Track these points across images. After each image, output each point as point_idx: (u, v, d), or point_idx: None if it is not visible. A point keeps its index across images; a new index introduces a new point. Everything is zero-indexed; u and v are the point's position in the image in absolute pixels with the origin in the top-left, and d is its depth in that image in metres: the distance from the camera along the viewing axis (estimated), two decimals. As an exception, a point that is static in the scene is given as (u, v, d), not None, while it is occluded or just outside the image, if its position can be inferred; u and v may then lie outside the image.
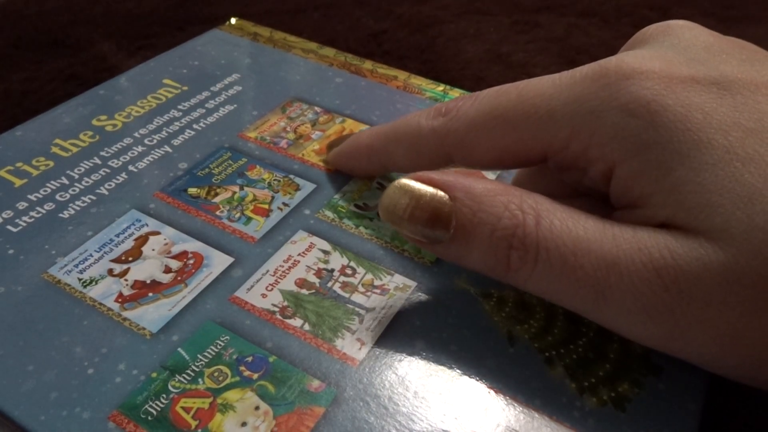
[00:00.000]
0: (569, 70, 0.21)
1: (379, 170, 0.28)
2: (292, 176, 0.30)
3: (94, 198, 0.28)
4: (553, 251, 0.19)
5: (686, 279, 0.17)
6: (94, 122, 0.33)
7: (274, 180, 0.29)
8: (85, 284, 0.24)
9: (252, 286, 0.24)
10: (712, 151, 0.17)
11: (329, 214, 0.28)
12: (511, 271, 0.20)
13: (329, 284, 0.24)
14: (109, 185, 0.29)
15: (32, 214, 0.27)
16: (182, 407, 0.20)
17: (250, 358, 0.22)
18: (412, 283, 0.25)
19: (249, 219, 0.27)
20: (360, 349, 0.22)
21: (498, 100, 0.21)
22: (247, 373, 0.21)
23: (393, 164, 0.26)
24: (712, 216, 0.17)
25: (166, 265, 0.25)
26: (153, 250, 0.26)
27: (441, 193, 0.20)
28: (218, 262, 0.25)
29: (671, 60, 0.20)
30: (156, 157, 0.30)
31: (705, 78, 0.19)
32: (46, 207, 0.27)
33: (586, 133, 0.19)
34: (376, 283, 0.25)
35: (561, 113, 0.20)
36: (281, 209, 0.28)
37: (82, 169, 0.30)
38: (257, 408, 0.20)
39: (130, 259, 0.25)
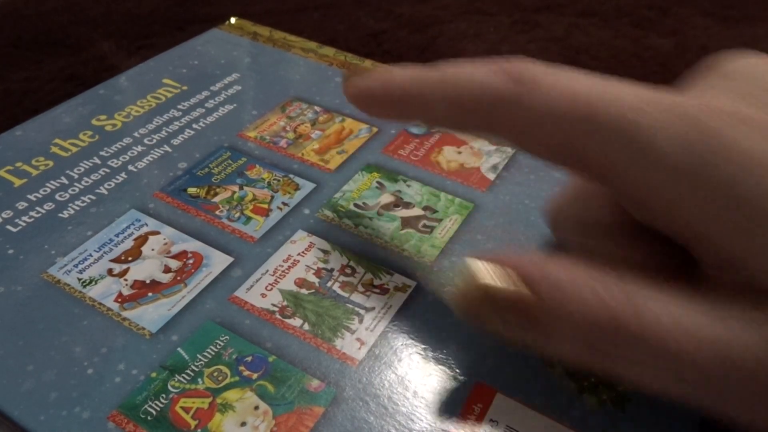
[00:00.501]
0: (661, 93, 0.17)
1: (407, 120, 0.24)
2: (291, 176, 0.29)
3: (93, 198, 0.28)
4: (654, 348, 0.16)
5: None
6: (94, 122, 0.33)
7: (274, 179, 0.29)
8: (84, 284, 0.24)
9: (251, 286, 0.24)
10: None
11: (329, 213, 0.28)
12: (609, 367, 0.17)
13: (329, 284, 0.24)
14: (109, 185, 0.29)
15: (32, 214, 0.27)
16: (182, 407, 0.20)
17: (249, 358, 0.22)
18: (412, 283, 0.25)
19: (248, 219, 0.27)
20: (359, 348, 0.22)
21: (585, 93, 0.17)
22: (246, 372, 0.21)
23: (431, 119, 0.22)
24: None
25: (165, 265, 0.25)
26: (152, 249, 0.26)
27: (524, 290, 0.17)
28: (218, 261, 0.25)
29: (764, 106, 0.17)
30: (155, 156, 0.30)
31: None
32: (45, 207, 0.27)
33: (681, 180, 0.16)
34: (376, 282, 0.25)
35: (654, 144, 0.17)
36: (281, 209, 0.28)
37: (82, 169, 0.30)
38: (257, 408, 0.20)
39: (130, 258, 0.25)
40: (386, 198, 0.28)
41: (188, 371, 0.21)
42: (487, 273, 0.17)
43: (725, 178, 0.16)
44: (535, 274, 0.17)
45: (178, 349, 0.22)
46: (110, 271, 0.25)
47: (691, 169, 0.16)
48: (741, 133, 0.16)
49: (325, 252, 0.26)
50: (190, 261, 0.25)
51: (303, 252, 0.26)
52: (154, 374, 0.21)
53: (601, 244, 0.20)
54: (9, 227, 0.26)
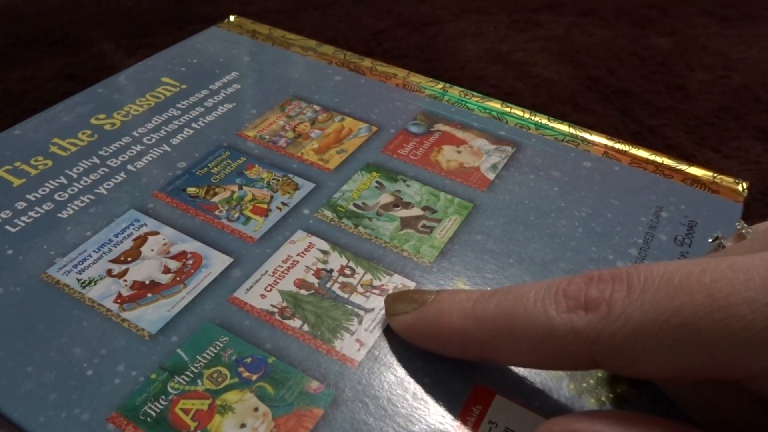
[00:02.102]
0: (757, 263, 0.15)
1: (475, 359, 0.21)
2: (291, 175, 0.29)
3: (92, 198, 0.28)
4: None
5: None
6: (93, 121, 0.33)
7: (273, 179, 0.29)
8: (84, 285, 0.24)
9: (251, 287, 0.24)
10: None
11: (328, 213, 0.27)
12: None
13: (328, 285, 0.24)
14: (108, 185, 0.29)
15: (31, 214, 0.27)
16: (181, 408, 0.20)
17: (249, 359, 0.22)
18: (411, 284, 0.25)
19: (248, 219, 0.27)
20: (359, 350, 0.22)
21: (677, 302, 0.15)
22: (246, 374, 0.21)
23: (504, 359, 0.20)
24: None
25: (165, 266, 0.25)
26: (152, 250, 0.26)
27: None
28: (217, 262, 0.25)
29: None
30: (155, 156, 0.30)
31: None
32: (44, 207, 0.27)
33: None
34: (375, 283, 0.25)
35: None
36: (280, 209, 0.28)
37: (81, 169, 0.29)
38: (256, 409, 0.20)
39: (129, 259, 0.25)
40: (386, 198, 0.28)
41: (188, 372, 0.21)
42: None
43: None
44: None
45: (178, 350, 0.22)
46: (109, 272, 0.25)
47: None
48: None
49: (324, 252, 0.26)
50: (190, 261, 0.25)
51: (302, 252, 0.26)
52: (153, 375, 0.21)
53: (697, 393, 0.19)
54: (8, 227, 0.26)
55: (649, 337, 0.15)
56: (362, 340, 0.22)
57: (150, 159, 0.30)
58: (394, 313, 0.22)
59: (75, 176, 0.29)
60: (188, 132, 0.32)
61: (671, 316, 0.15)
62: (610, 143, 0.32)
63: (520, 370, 0.22)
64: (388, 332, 0.23)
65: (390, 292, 0.24)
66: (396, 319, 0.22)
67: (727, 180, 0.30)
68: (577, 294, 0.17)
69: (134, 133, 0.32)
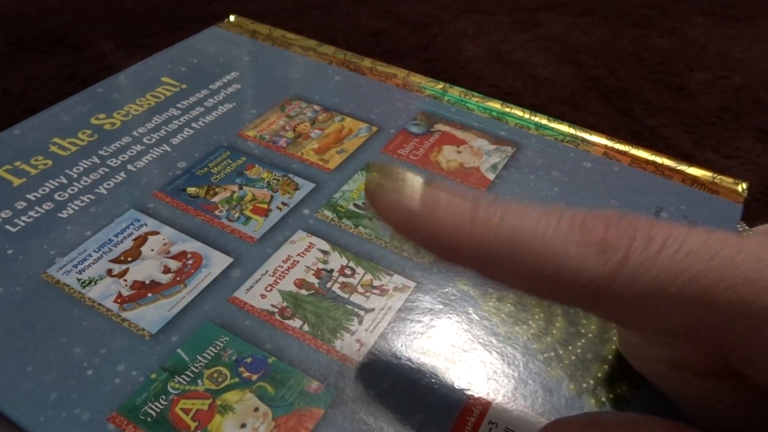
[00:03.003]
0: None
1: (463, 266, 0.18)
2: (291, 175, 0.29)
3: (92, 197, 0.28)
4: None
5: None
6: (93, 121, 0.33)
7: (273, 179, 0.29)
8: (84, 285, 0.24)
9: (251, 287, 0.24)
10: None
11: (328, 213, 0.28)
12: None
13: (328, 285, 0.24)
14: (108, 185, 0.29)
15: (31, 213, 0.27)
16: (182, 408, 0.20)
17: (249, 359, 0.22)
18: (412, 284, 0.25)
19: (248, 219, 0.27)
20: (359, 350, 0.22)
21: (697, 266, 0.14)
22: (246, 374, 0.21)
23: (496, 276, 0.17)
24: None
25: (165, 266, 0.25)
26: (152, 250, 0.26)
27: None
28: (217, 262, 0.25)
29: None
30: (155, 156, 0.30)
31: None
32: (44, 206, 0.27)
33: None
34: (375, 283, 0.25)
35: None
36: (280, 209, 0.28)
37: (81, 168, 0.29)
38: (256, 409, 0.20)
39: (129, 259, 0.25)
40: (386, 198, 0.28)
41: (188, 372, 0.21)
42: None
43: None
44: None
45: (178, 350, 0.22)
46: (110, 272, 0.25)
47: None
48: None
49: (324, 252, 0.26)
50: (190, 261, 0.25)
51: (302, 252, 0.26)
52: (153, 375, 0.21)
53: (689, 384, 0.18)
54: (8, 227, 0.26)
55: (661, 298, 0.14)
56: (362, 340, 0.22)
57: (150, 159, 0.30)
58: (377, 188, 0.18)
59: (75, 176, 0.29)
60: (188, 132, 0.32)
61: (689, 280, 0.14)
62: (610, 143, 0.32)
63: (520, 371, 0.22)
64: (388, 332, 0.23)
65: (390, 291, 0.24)
66: (378, 195, 0.18)
67: (726, 180, 0.30)
68: (596, 229, 0.15)
69: (134, 133, 0.32)
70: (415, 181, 0.18)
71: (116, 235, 0.26)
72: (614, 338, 0.23)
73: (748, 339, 0.14)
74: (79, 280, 0.24)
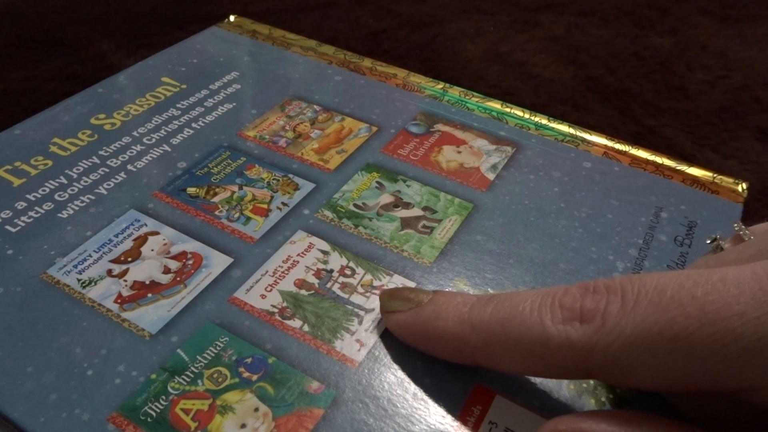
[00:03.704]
0: (748, 275, 0.15)
1: (469, 364, 0.20)
2: (291, 175, 0.29)
3: (93, 198, 0.28)
4: None
5: None
6: (93, 121, 0.33)
7: (273, 179, 0.29)
8: (84, 285, 0.24)
9: (251, 287, 0.24)
10: None
11: (328, 213, 0.28)
12: None
13: (328, 285, 0.24)
14: (108, 185, 0.29)
15: (31, 213, 0.27)
16: (182, 409, 0.20)
17: (249, 360, 0.22)
18: (412, 284, 0.25)
19: (248, 219, 0.27)
20: (359, 350, 0.22)
21: (669, 314, 0.15)
22: (246, 374, 0.21)
23: (498, 366, 0.19)
24: None
25: (165, 266, 0.25)
26: (152, 250, 0.26)
27: None
28: (217, 262, 0.25)
29: None
30: (155, 156, 0.30)
31: None
32: (44, 207, 0.27)
33: None
34: (376, 283, 0.25)
35: None
36: (280, 209, 0.28)
37: (81, 169, 0.29)
38: (256, 409, 0.20)
39: (129, 259, 0.25)
40: (386, 198, 0.28)
41: (188, 373, 0.21)
42: None
43: None
44: None
45: (178, 350, 0.22)
46: (110, 272, 0.25)
47: None
48: None
49: (324, 253, 0.26)
50: (190, 261, 0.25)
51: (302, 252, 0.26)
52: (153, 376, 0.21)
53: (714, 408, 0.18)
54: (8, 227, 0.26)
55: (642, 350, 0.15)
56: (362, 341, 0.22)
57: (150, 159, 0.30)
58: (389, 311, 0.22)
59: (75, 176, 0.29)
60: (188, 132, 0.32)
61: (663, 329, 0.15)
62: (609, 143, 0.32)
63: (521, 371, 0.22)
64: (388, 333, 0.23)
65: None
66: (391, 317, 0.22)
67: (726, 180, 0.30)
68: (573, 305, 0.17)
69: (134, 133, 0.32)
70: (417, 299, 0.21)
71: (116, 236, 0.26)
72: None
73: (741, 374, 0.15)
74: (79, 280, 0.24)
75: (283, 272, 0.25)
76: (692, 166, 0.31)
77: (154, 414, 0.20)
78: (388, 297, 0.22)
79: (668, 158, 0.31)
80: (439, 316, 0.20)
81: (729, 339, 0.14)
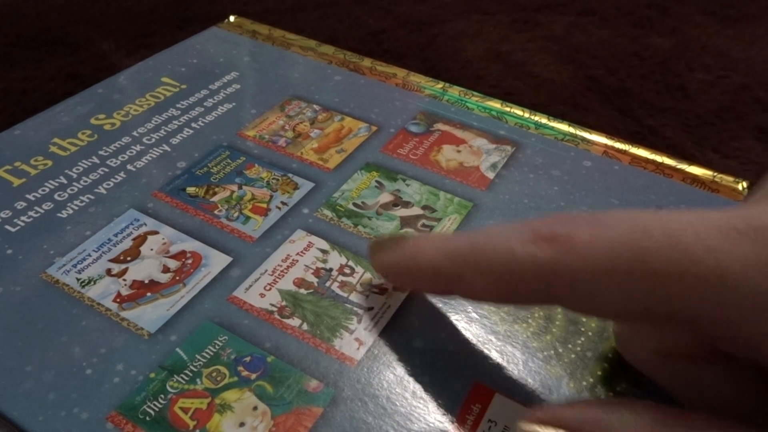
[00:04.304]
0: (727, 214, 0.15)
1: (446, 294, 0.22)
2: (290, 175, 0.29)
3: (92, 197, 0.28)
4: None
5: None
6: (93, 121, 0.33)
7: (273, 179, 0.29)
8: (83, 284, 0.24)
9: (250, 286, 0.24)
10: None
11: (328, 213, 0.27)
12: None
13: (327, 284, 0.24)
14: (108, 184, 0.29)
15: (30, 213, 0.27)
16: (180, 407, 0.20)
17: (248, 358, 0.22)
18: (411, 283, 0.25)
19: (247, 218, 0.27)
20: (358, 348, 0.22)
21: (635, 239, 0.15)
22: (245, 373, 0.21)
23: (470, 294, 0.20)
24: None
25: (164, 265, 0.25)
26: (151, 249, 0.26)
27: None
28: (217, 261, 0.25)
29: None
30: (154, 156, 0.30)
31: None
32: (44, 206, 0.27)
33: (762, 311, 0.14)
34: (375, 282, 0.25)
35: (734, 279, 0.14)
36: (280, 208, 0.28)
37: (81, 169, 0.29)
38: (255, 408, 0.20)
39: (129, 258, 0.25)
40: (385, 197, 0.28)
41: (187, 371, 0.21)
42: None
43: None
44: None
45: (177, 349, 0.22)
46: (109, 271, 0.25)
47: None
48: None
49: (323, 251, 0.26)
50: (189, 261, 0.25)
51: (302, 252, 0.26)
52: (152, 375, 0.21)
53: (680, 371, 0.19)
54: (8, 227, 0.26)
55: (606, 273, 0.15)
56: (361, 339, 0.22)
57: (150, 159, 0.30)
58: (377, 252, 0.22)
59: (75, 176, 0.29)
60: (188, 132, 0.32)
61: (629, 254, 0.15)
62: (609, 143, 0.32)
63: (520, 369, 0.22)
64: (388, 331, 0.23)
65: (389, 290, 0.24)
66: (376, 258, 0.22)
67: (727, 179, 0.30)
68: (543, 229, 0.17)
69: (134, 133, 0.32)
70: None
71: (116, 235, 0.26)
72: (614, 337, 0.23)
73: (703, 306, 0.15)
74: (78, 279, 0.24)
75: (282, 271, 0.25)
76: (692, 164, 0.31)
77: (152, 413, 0.20)
78: (377, 242, 0.22)
79: (668, 157, 0.31)
80: (418, 250, 0.20)
81: (691, 267, 0.14)
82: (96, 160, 0.30)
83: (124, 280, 0.24)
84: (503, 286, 0.18)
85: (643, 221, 0.16)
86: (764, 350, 0.15)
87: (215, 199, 0.28)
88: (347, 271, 0.25)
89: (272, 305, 0.24)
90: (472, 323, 0.23)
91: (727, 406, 0.17)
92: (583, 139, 0.32)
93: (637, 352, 0.20)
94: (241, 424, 0.20)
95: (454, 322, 0.23)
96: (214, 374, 0.21)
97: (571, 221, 0.16)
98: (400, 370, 0.22)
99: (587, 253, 0.16)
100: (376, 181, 0.29)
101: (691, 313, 0.15)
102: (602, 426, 0.15)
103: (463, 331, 0.23)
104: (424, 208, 0.28)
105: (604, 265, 0.15)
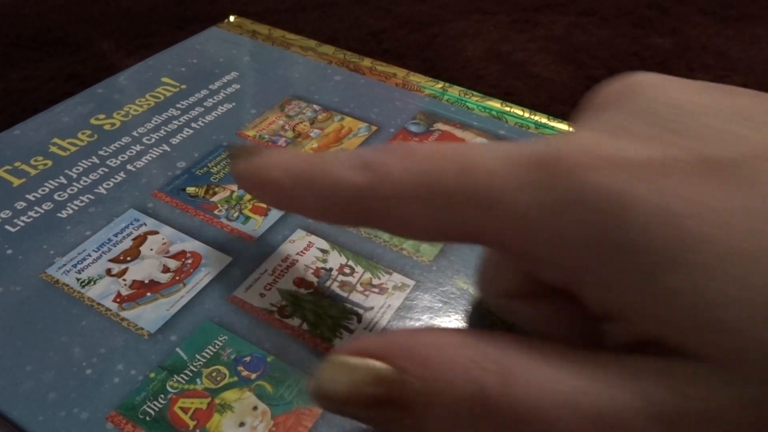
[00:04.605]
0: (518, 145, 0.16)
1: (288, 210, 0.24)
2: (290, 175, 0.29)
3: (92, 197, 0.28)
4: (528, 419, 0.15)
5: (702, 426, 0.13)
6: (93, 121, 0.33)
7: (273, 179, 0.29)
8: (83, 284, 0.24)
9: (250, 286, 0.24)
10: (708, 250, 0.13)
11: (328, 213, 0.27)
12: None
13: (327, 283, 0.24)
14: (108, 184, 0.29)
15: (30, 213, 0.27)
16: (180, 407, 0.20)
17: (248, 358, 0.22)
18: (411, 282, 0.25)
19: (247, 218, 0.27)
20: (358, 348, 0.22)
21: (435, 166, 0.17)
22: (245, 373, 0.21)
23: (303, 212, 0.21)
24: (718, 338, 0.13)
25: (164, 265, 0.25)
26: (151, 249, 0.26)
27: (383, 366, 0.16)
28: (216, 261, 0.25)
29: (642, 136, 0.15)
30: (154, 156, 0.30)
31: (689, 156, 0.14)
32: (44, 206, 0.27)
33: (539, 230, 0.15)
34: (375, 282, 0.25)
35: (509, 201, 0.15)
36: (280, 208, 0.28)
37: (81, 169, 0.29)
38: (255, 408, 0.20)
39: (129, 258, 0.25)
40: (385, 197, 0.28)
41: (187, 371, 0.21)
42: (347, 358, 0.17)
43: (576, 221, 0.15)
44: (396, 346, 0.16)
45: (177, 349, 0.22)
46: (109, 271, 0.25)
47: (549, 220, 0.15)
48: (600, 173, 0.15)
49: (323, 251, 0.26)
50: (189, 261, 0.25)
51: (302, 251, 0.26)
52: (152, 374, 0.21)
53: (522, 309, 0.20)
54: (8, 227, 0.26)
55: (411, 198, 0.17)
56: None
57: (150, 159, 0.30)
58: (234, 158, 0.23)
59: (75, 176, 0.29)
60: (188, 132, 0.32)
61: (427, 179, 0.17)
62: (609, 142, 0.32)
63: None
64: (388, 331, 0.23)
65: (389, 290, 0.24)
66: (233, 164, 0.23)
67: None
68: (367, 156, 0.18)
69: (134, 133, 0.32)
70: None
71: (116, 235, 0.26)
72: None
73: (490, 225, 0.16)
74: (78, 279, 0.24)
75: (282, 271, 0.25)
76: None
77: (152, 413, 0.20)
78: (236, 148, 0.23)
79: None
80: (267, 163, 0.21)
81: (475, 190, 0.16)
82: (96, 160, 0.30)
83: (124, 280, 0.24)
84: (329, 206, 0.19)
85: (447, 150, 0.17)
86: (551, 273, 0.16)
87: (215, 199, 0.28)
88: (347, 270, 0.25)
89: (272, 305, 0.24)
90: (472, 323, 0.23)
91: (560, 336, 0.19)
92: (583, 139, 0.32)
93: (492, 297, 0.21)
94: (241, 424, 0.20)
95: (454, 321, 0.23)
96: (214, 374, 0.21)
97: (391, 151, 0.18)
98: (400, 370, 0.22)
99: (397, 179, 0.17)
100: (376, 181, 0.29)
101: (482, 235, 0.17)
102: (405, 348, 0.16)
103: (463, 331, 0.23)
104: (424, 208, 0.28)
105: (410, 191, 0.17)
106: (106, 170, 0.29)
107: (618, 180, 0.14)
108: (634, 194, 0.14)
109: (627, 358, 0.15)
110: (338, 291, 0.24)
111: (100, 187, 0.29)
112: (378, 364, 0.16)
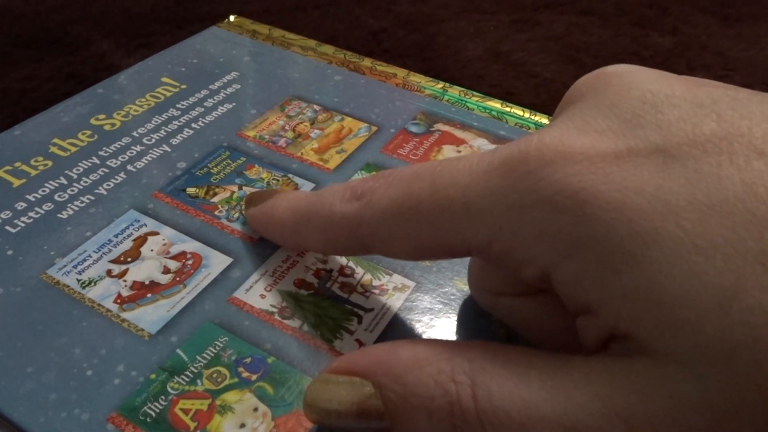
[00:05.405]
0: (488, 153, 0.17)
1: (297, 249, 0.25)
2: (290, 175, 0.29)
3: (92, 198, 0.28)
4: (498, 426, 0.15)
5: (663, 425, 0.14)
6: (93, 121, 0.33)
7: (273, 179, 0.29)
8: (83, 285, 0.24)
9: (251, 287, 0.24)
10: (663, 244, 0.14)
11: (328, 214, 0.27)
12: None
13: (328, 284, 0.24)
14: (108, 185, 0.29)
15: (31, 214, 0.27)
16: (181, 409, 0.20)
17: (248, 359, 0.22)
18: (411, 283, 0.25)
19: (248, 219, 0.27)
20: (359, 349, 0.22)
21: (411, 187, 0.18)
22: (245, 374, 0.21)
23: (308, 246, 0.23)
24: (676, 335, 0.13)
25: (164, 266, 0.25)
26: (152, 250, 0.26)
27: (363, 382, 0.17)
28: (217, 262, 0.25)
29: (601, 130, 0.16)
30: (155, 156, 0.30)
31: (645, 147, 0.15)
32: (44, 207, 0.27)
33: (508, 232, 0.16)
34: (375, 283, 0.25)
35: (477, 208, 0.16)
36: (280, 209, 0.28)
37: (81, 169, 0.29)
38: (256, 409, 0.20)
39: (129, 259, 0.25)
40: (385, 198, 0.28)
41: (187, 372, 0.21)
42: (331, 376, 0.18)
43: (539, 219, 0.15)
44: (373, 364, 0.17)
45: (177, 350, 0.22)
46: (109, 272, 0.25)
47: (515, 222, 0.16)
48: (560, 170, 0.15)
49: (324, 252, 0.26)
50: (189, 262, 0.25)
51: (302, 252, 0.26)
52: (153, 376, 0.21)
53: (509, 306, 0.21)
54: (8, 228, 0.26)
55: (392, 220, 0.18)
56: (362, 340, 0.22)
57: (150, 159, 0.30)
58: (248, 204, 0.26)
59: (75, 176, 0.29)
60: (188, 132, 0.32)
61: (406, 200, 0.18)
62: (609, 143, 0.32)
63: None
64: (388, 332, 0.23)
65: (389, 291, 0.24)
66: (246, 210, 0.26)
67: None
68: (356, 188, 0.20)
69: (134, 134, 0.32)
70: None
71: (116, 236, 0.26)
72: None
73: (465, 236, 0.17)
74: (78, 280, 0.24)
75: (282, 272, 0.25)
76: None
77: (153, 414, 0.20)
78: (250, 195, 0.26)
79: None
80: (275, 207, 0.23)
81: (448, 204, 0.17)
82: (96, 160, 0.30)
83: (125, 281, 0.24)
84: (330, 238, 0.21)
85: (424, 170, 0.18)
86: (528, 272, 0.16)
87: (215, 199, 0.28)
88: (348, 272, 0.25)
89: (273, 306, 0.24)
90: (472, 324, 0.23)
91: (544, 332, 0.20)
92: (584, 140, 0.32)
93: (482, 296, 0.22)
94: (242, 425, 0.20)
95: (454, 322, 0.23)
96: (214, 375, 0.21)
97: (375, 179, 0.19)
98: (400, 371, 0.22)
99: (378, 205, 0.18)
100: (377, 182, 0.29)
101: (462, 245, 0.17)
102: (384, 364, 0.17)
103: (463, 331, 0.23)
104: (424, 208, 0.28)
105: (391, 215, 0.18)
106: (107, 171, 0.29)
107: (576, 176, 0.15)
108: (591, 190, 0.15)
109: (592, 360, 0.15)
110: (339, 292, 0.24)
111: (100, 187, 0.29)
112: (359, 381, 0.17)
